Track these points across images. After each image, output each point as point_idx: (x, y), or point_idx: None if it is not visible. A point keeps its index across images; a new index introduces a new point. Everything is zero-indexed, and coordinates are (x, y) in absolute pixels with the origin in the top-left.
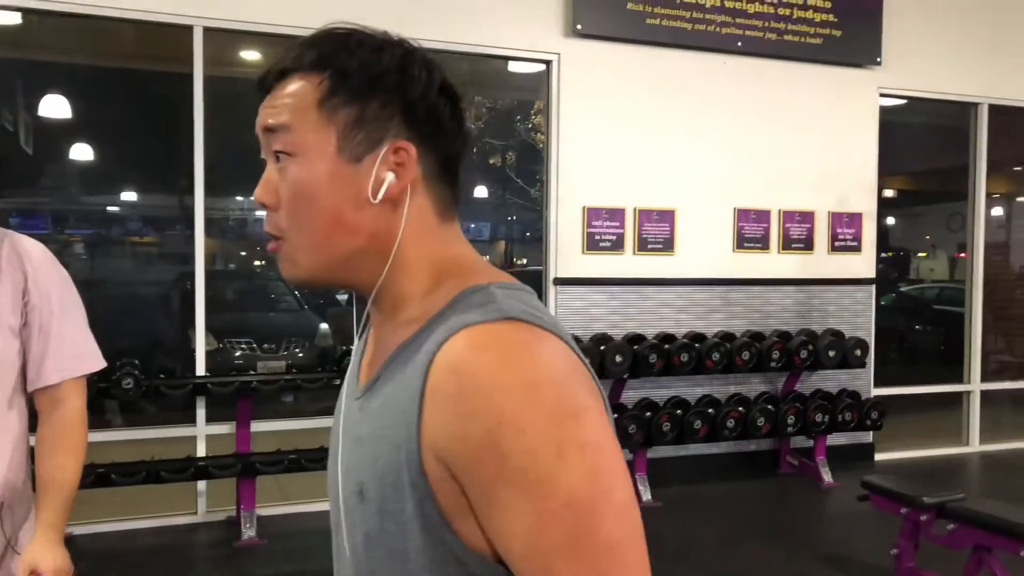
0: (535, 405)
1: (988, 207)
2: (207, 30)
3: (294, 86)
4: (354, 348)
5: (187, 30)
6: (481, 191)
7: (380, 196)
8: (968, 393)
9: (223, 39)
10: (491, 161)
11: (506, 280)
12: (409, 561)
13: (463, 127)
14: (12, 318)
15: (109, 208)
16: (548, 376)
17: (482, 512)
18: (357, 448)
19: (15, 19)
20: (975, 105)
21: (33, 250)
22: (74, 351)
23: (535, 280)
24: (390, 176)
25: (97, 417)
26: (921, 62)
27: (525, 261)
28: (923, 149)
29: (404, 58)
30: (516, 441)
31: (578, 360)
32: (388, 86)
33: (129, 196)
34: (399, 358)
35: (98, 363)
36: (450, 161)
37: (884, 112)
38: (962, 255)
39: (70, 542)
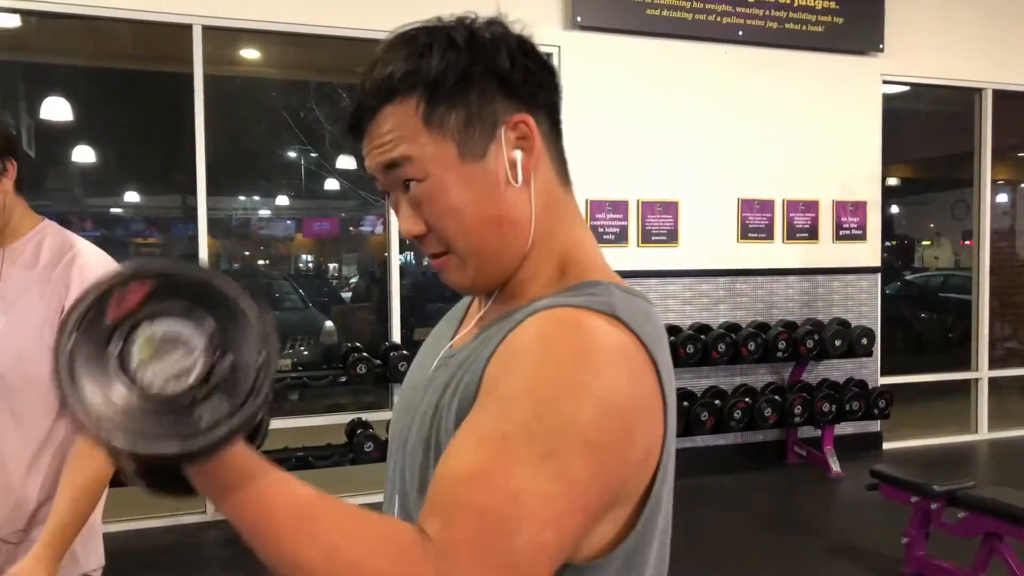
0: (547, 365)
1: (993, 194)
2: (206, 29)
3: (392, 118)
4: (452, 311)
5: (186, 29)
6: None
7: (520, 175)
8: (976, 380)
9: (222, 38)
10: None
11: (625, 284)
12: None
13: (554, 75)
14: (49, 335)
15: (112, 209)
16: (599, 379)
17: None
18: (435, 391)
19: (14, 21)
20: (979, 91)
21: (88, 267)
22: None
23: None
24: (519, 155)
25: None
26: (924, 48)
27: None
28: (927, 136)
29: (474, 36)
30: (507, 377)
31: (653, 392)
32: (477, 73)
33: (132, 197)
34: (496, 323)
35: None
36: (557, 115)
37: (887, 99)
38: (968, 242)
39: None
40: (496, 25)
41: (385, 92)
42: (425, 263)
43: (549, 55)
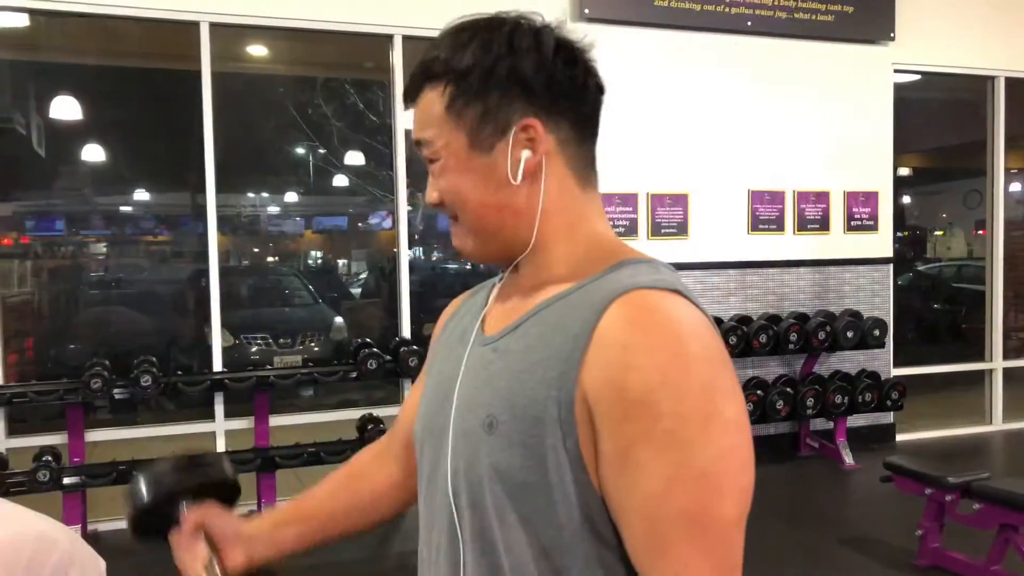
0: (695, 375)
1: (1006, 182)
2: (213, 26)
3: (426, 99)
4: (463, 305)
5: (194, 26)
6: None
7: (520, 176)
8: (990, 371)
9: (229, 34)
10: None
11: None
12: (539, 494)
13: (587, 84)
14: None
15: (122, 208)
16: (707, 352)
17: (611, 465)
18: (488, 384)
19: (23, 21)
20: (991, 78)
21: None
22: None
23: None
24: (525, 154)
25: (117, 415)
26: (936, 36)
27: None
28: (939, 125)
29: (512, 39)
30: (671, 405)
31: (724, 346)
32: (502, 74)
33: (141, 195)
34: (548, 308)
35: None
36: (584, 121)
37: (899, 88)
38: (981, 232)
39: (95, 538)
40: (541, 30)
41: (425, 75)
42: (434, 258)
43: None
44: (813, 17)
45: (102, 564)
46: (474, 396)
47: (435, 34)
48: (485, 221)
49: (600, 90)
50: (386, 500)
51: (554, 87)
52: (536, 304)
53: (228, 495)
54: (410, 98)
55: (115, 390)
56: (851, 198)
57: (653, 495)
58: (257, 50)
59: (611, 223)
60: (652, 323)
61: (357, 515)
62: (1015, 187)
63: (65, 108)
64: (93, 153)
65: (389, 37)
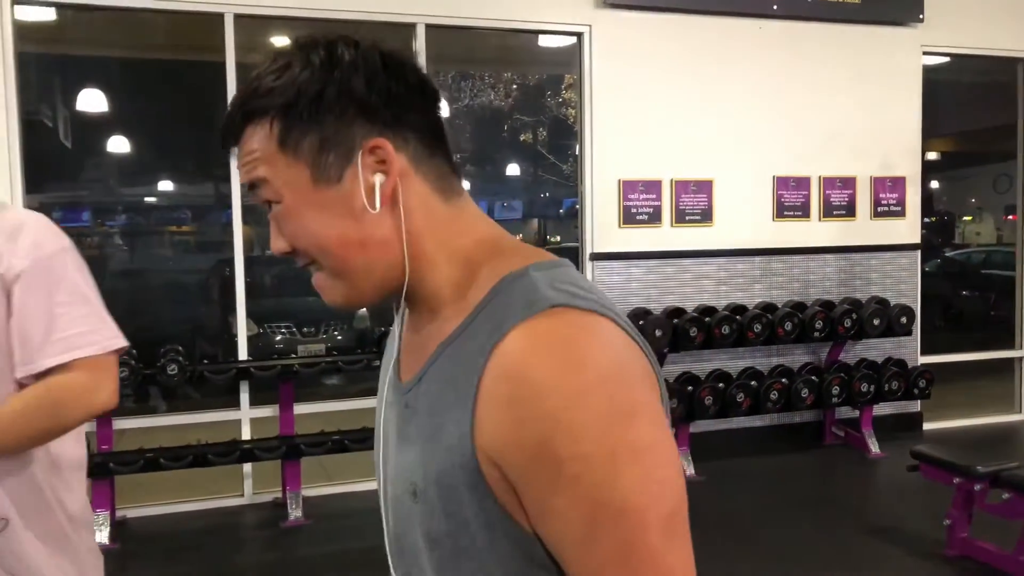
0: (589, 409)
1: None
2: (237, 17)
3: (253, 138)
4: (392, 333)
5: (218, 18)
6: (513, 169)
7: (378, 202)
8: (1020, 359)
9: (254, 25)
10: (522, 138)
11: (542, 258)
12: (475, 558)
13: (426, 90)
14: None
15: (147, 198)
16: (601, 374)
17: (534, 516)
18: (406, 446)
19: (50, 15)
20: (1022, 60)
21: (13, 225)
22: (64, 334)
23: (572, 257)
24: (379, 178)
25: (143, 404)
26: (965, 17)
27: (559, 238)
28: (968, 108)
29: (333, 59)
30: (570, 448)
31: (631, 342)
32: (332, 97)
33: (166, 186)
34: (443, 356)
35: (98, 347)
36: (430, 132)
37: (927, 71)
38: (1011, 217)
39: (122, 525)
40: (360, 44)
41: (247, 112)
42: None
43: (579, 35)
44: None
45: None
46: (399, 459)
47: (458, 23)
48: (352, 261)
49: (437, 97)
50: None
51: (392, 101)
52: (435, 347)
53: None
54: (232, 139)
55: (142, 379)
56: (878, 184)
57: (577, 542)
58: (281, 41)
59: (634, 211)
60: (530, 368)
61: None
62: None
63: (91, 100)
64: (119, 145)
65: (412, 26)
